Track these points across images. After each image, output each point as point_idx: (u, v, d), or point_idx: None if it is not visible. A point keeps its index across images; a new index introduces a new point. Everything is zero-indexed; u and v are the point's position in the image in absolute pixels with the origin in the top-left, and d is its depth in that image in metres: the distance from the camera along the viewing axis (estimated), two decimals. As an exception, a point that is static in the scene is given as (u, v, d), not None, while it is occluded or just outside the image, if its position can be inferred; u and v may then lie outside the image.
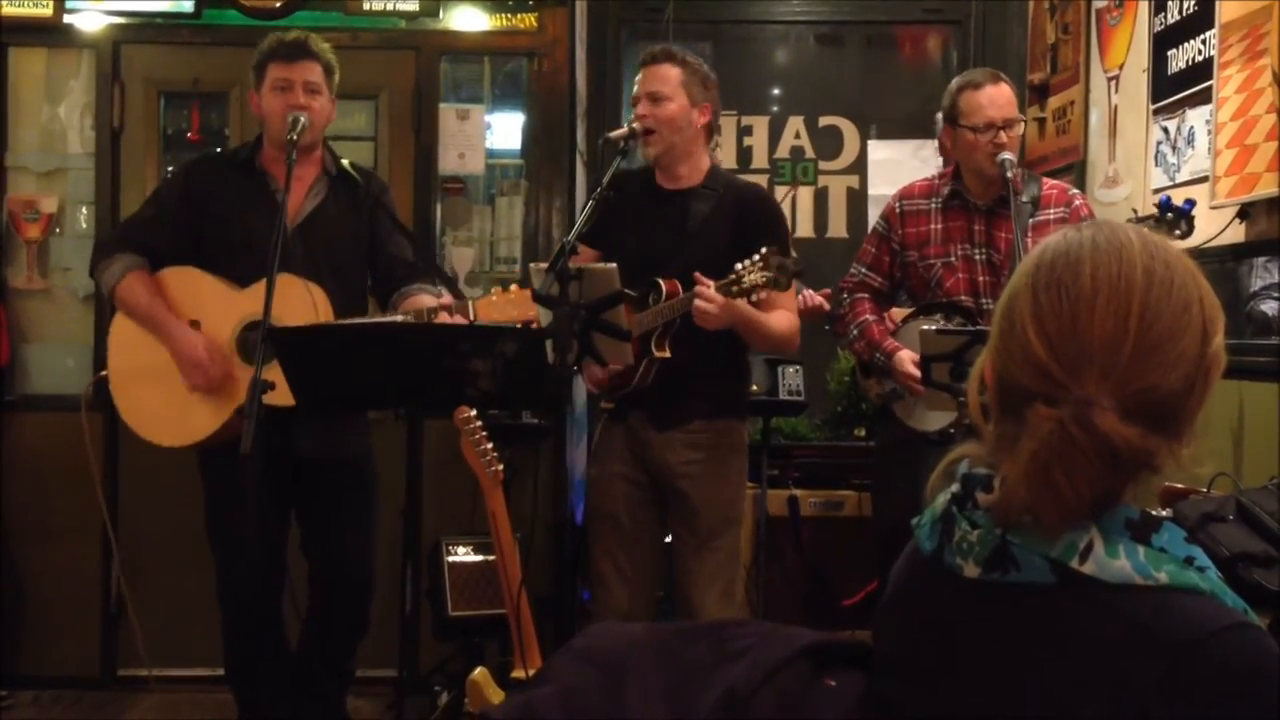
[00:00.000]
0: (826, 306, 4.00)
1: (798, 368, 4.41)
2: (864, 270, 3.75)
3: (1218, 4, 3.41)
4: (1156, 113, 3.83)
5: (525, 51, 4.79)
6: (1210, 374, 1.21)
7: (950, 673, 1.23)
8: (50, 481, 4.45)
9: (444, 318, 3.20)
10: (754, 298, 3.10)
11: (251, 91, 3.46)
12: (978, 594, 1.21)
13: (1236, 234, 3.34)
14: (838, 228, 5.35)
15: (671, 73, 3.34)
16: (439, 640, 4.16)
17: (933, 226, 3.61)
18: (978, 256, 3.55)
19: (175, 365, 3.32)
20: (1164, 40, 3.78)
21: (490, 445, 3.36)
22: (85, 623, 4.53)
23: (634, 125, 3.33)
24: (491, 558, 3.80)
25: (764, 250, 3.06)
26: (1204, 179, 3.45)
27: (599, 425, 3.57)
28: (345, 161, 3.53)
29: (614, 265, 3.05)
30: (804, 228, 5.30)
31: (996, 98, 3.46)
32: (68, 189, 4.71)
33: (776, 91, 5.53)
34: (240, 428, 2.79)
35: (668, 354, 3.24)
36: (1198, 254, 3.26)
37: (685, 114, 3.34)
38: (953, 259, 3.57)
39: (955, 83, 3.58)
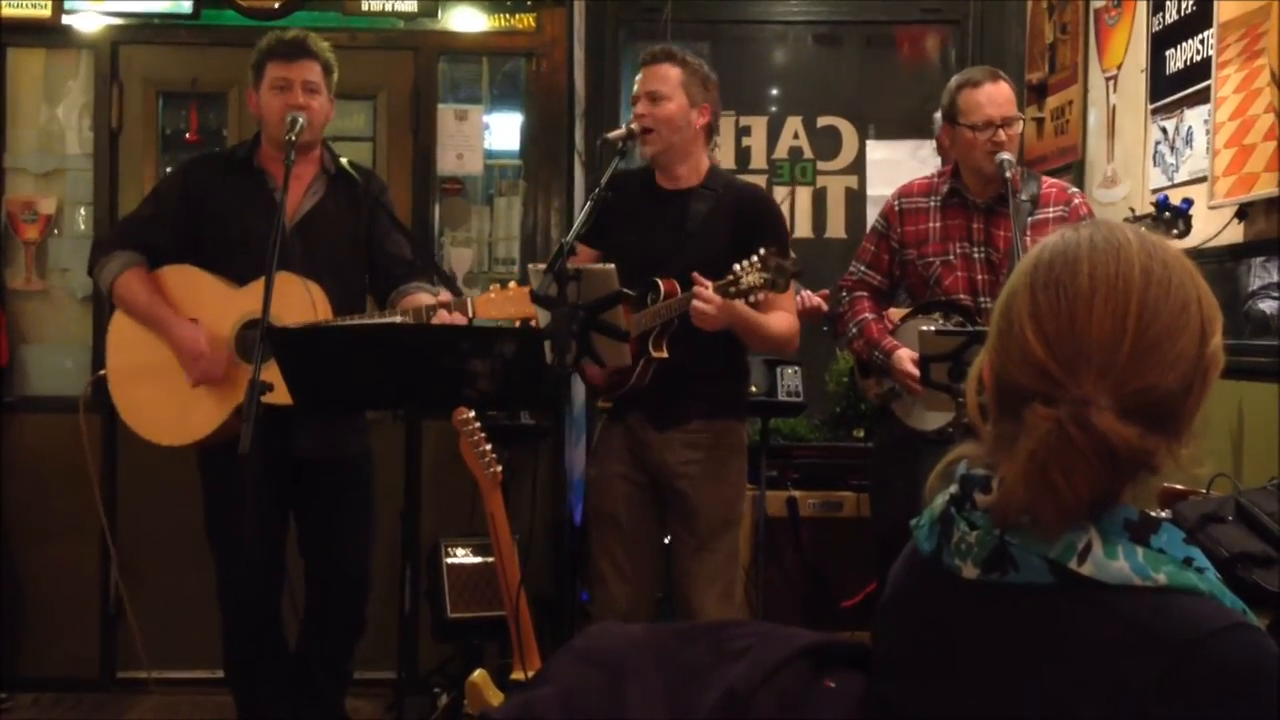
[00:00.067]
0: (825, 307, 4.00)
1: (796, 368, 4.41)
2: (863, 268, 3.75)
3: (1216, 3, 3.41)
4: (1155, 112, 3.83)
5: (523, 52, 4.79)
6: (1209, 374, 1.20)
7: (949, 673, 1.23)
8: (49, 483, 4.45)
9: (443, 315, 3.20)
10: (752, 299, 3.10)
11: (250, 90, 3.45)
12: (976, 595, 1.21)
13: (1235, 234, 3.34)
14: (836, 228, 5.35)
15: (671, 73, 3.34)
16: (438, 641, 4.17)
17: (931, 225, 3.61)
18: (976, 255, 3.54)
19: (175, 364, 3.32)
20: (1162, 40, 3.78)
21: (489, 446, 3.36)
22: (84, 624, 4.53)
23: (632, 125, 3.33)
24: (490, 559, 3.80)
25: (762, 251, 3.06)
26: (1202, 179, 3.45)
27: (598, 426, 3.57)
28: (344, 160, 3.53)
29: (612, 266, 3.05)
30: (802, 228, 5.30)
31: (995, 96, 3.46)
32: (66, 190, 4.71)
33: (775, 92, 5.53)
34: (240, 427, 2.79)
35: (665, 354, 3.24)
36: (1196, 254, 3.26)
37: (684, 114, 3.34)
38: (951, 257, 3.57)
39: (954, 81, 3.58)
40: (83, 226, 4.70)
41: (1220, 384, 1.23)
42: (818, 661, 1.32)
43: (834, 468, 4.62)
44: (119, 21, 4.60)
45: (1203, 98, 3.48)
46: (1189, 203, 3.17)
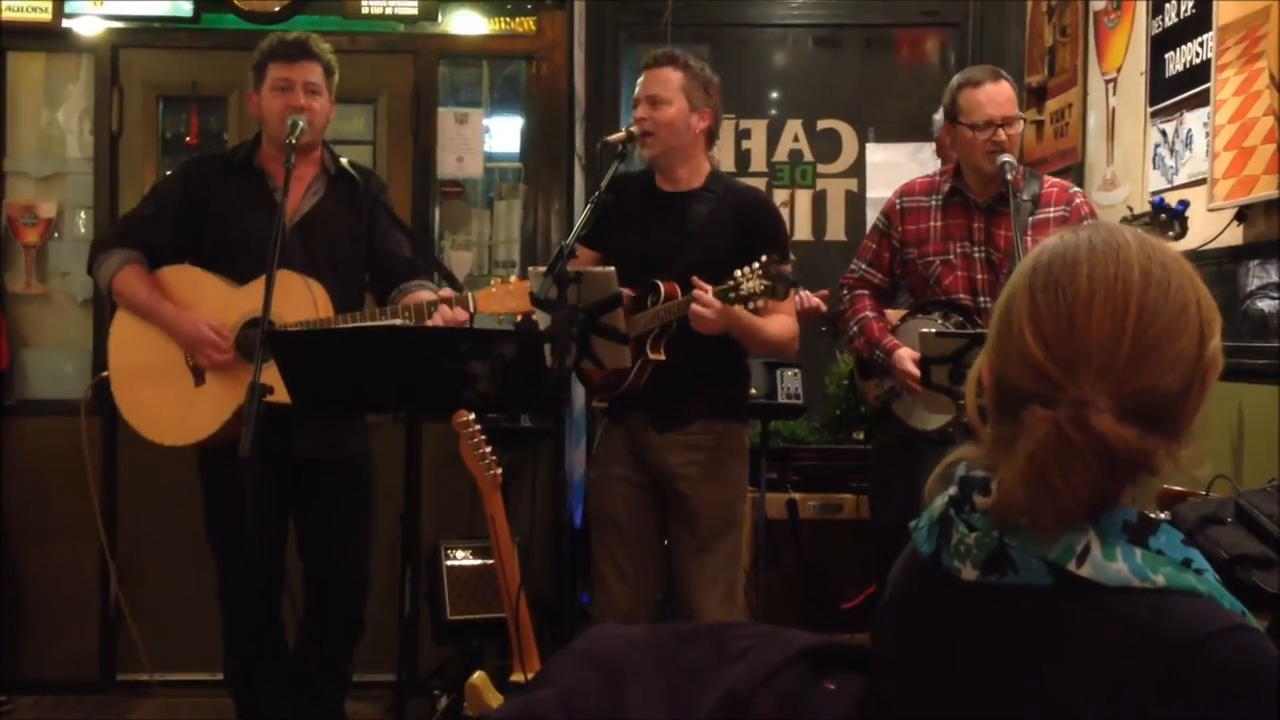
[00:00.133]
0: (824, 308, 4.00)
1: (796, 371, 4.41)
2: (864, 266, 3.75)
3: (1215, 6, 3.42)
4: (1154, 115, 3.83)
5: (523, 55, 4.80)
6: (1208, 375, 1.21)
7: (949, 675, 1.23)
8: (49, 485, 4.45)
9: (444, 310, 3.20)
10: (752, 305, 3.10)
11: (250, 91, 3.46)
12: (976, 596, 1.21)
13: (1234, 236, 3.34)
14: (836, 230, 5.35)
15: (672, 77, 3.34)
16: (438, 644, 4.16)
17: (932, 224, 3.61)
18: (977, 254, 3.55)
19: (177, 364, 3.33)
20: (1162, 43, 3.79)
21: (489, 448, 3.36)
22: (85, 627, 4.53)
23: (632, 128, 3.33)
24: (490, 561, 3.79)
25: (764, 258, 3.06)
26: (1202, 181, 3.46)
27: (599, 428, 3.57)
28: (344, 160, 3.53)
29: (612, 269, 3.06)
30: (802, 231, 5.30)
31: (996, 95, 3.46)
32: (66, 193, 4.72)
33: (775, 94, 5.54)
34: (241, 428, 2.80)
35: (662, 357, 3.23)
36: (1195, 256, 3.27)
37: (684, 118, 3.34)
38: (952, 257, 3.57)
39: (956, 80, 3.58)
40: (83, 230, 4.70)
41: (1220, 386, 1.23)
42: (817, 663, 1.32)
43: (834, 470, 4.62)
44: (119, 25, 4.61)
45: (1202, 100, 3.48)
46: (1185, 204, 3.17)
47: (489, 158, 4.87)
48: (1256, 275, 3.26)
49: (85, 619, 4.53)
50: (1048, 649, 1.16)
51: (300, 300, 3.23)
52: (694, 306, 3.10)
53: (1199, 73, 3.51)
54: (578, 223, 3.13)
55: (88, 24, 4.59)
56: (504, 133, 4.98)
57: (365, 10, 4.57)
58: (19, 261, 4.67)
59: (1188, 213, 3.16)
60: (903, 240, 3.66)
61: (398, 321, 3.27)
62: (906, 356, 3.51)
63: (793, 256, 3.18)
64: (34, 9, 4.53)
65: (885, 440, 3.85)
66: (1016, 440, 1.17)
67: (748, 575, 4.07)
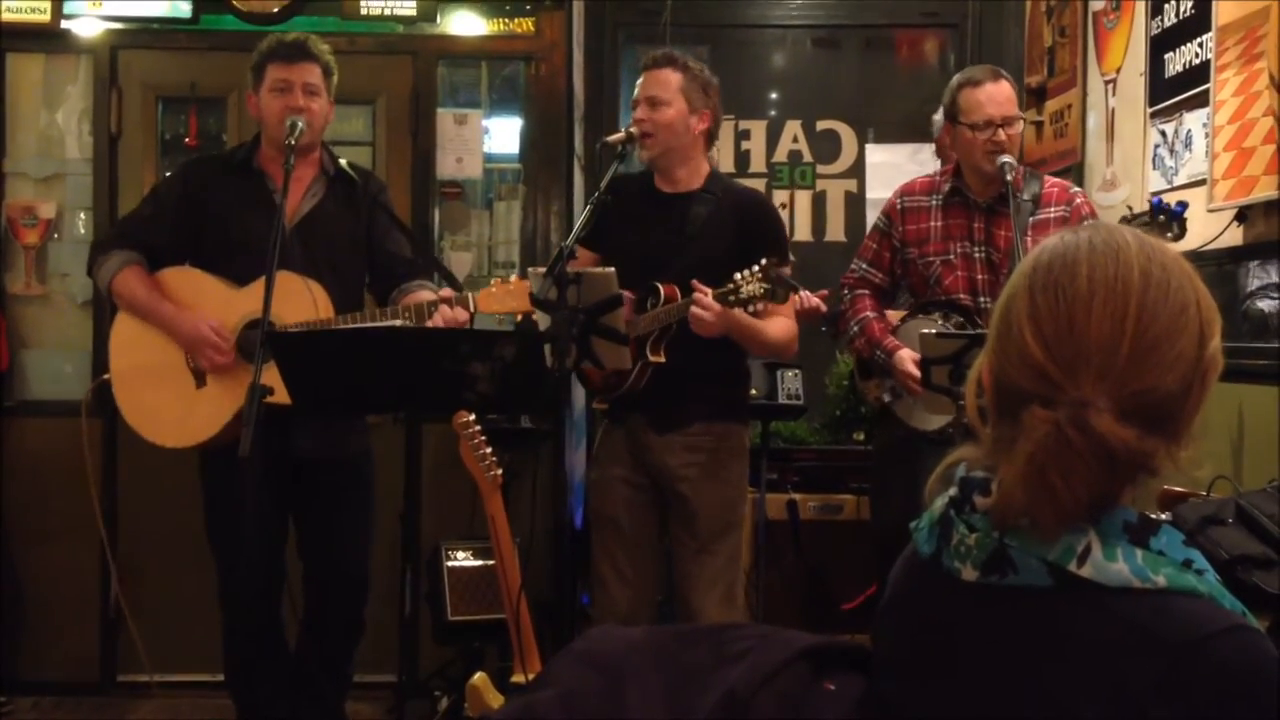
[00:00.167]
0: (824, 308, 4.00)
1: (796, 371, 4.41)
2: (865, 266, 3.75)
3: (1215, 6, 3.41)
4: (1154, 116, 3.83)
5: (522, 55, 4.79)
6: (1208, 376, 1.21)
7: (949, 675, 1.23)
8: (49, 486, 4.45)
9: (445, 310, 3.20)
10: (751, 308, 3.10)
11: (249, 92, 3.45)
12: (976, 597, 1.21)
13: (1234, 237, 3.34)
14: (836, 231, 5.35)
15: (672, 78, 3.34)
16: (438, 645, 4.16)
17: (933, 224, 3.61)
18: (977, 254, 3.55)
19: (178, 365, 3.32)
20: (1161, 43, 3.79)
21: (489, 449, 3.36)
22: (85, 628, 4.53)
23: (631, 129, 3.33)
24: (491, 562, 3.80)
25: (763, 262, 3.06)
26: (1201, 182, 3.46)
27: (599, 429, 3.58)
28: (343, 161, 3.53)
29: (612, 269, 3.06)
30: (802, 231, 5.30)
31: (996, 95, 3.46)
32: (66, 194, 4.71)
33: (774, 95, 5.54)
34: (241, 429, 2.80)
35: (662, 359, 3.24)
36: (1195, 257, 3.27)
37: (683, 119, 3.34)
38: (952, 257, 3.57)
39: (956, 79, 3.58)
40: (82, 231, 4.70)
41: (1220, 386, 1.23)
42: (818, 663, 1.32)
43: (834, 470, 4.62)
44: (118, 26, 4.61)
45: (1202, 101, 3.48)
46: (1184, 205, 3.17)
47: (488, 158, 4.87)
48: (1256, 276, 3.26)
49: (85, 620, 4.53)
50: (1048, 649, 1.16)
51: (300, 301, 3.23)
52: (694, 309, 3.10)
53: (1198, 73, 3.51)
54: (577, 224, 3.13)
55: (86, 25, 4.59)
56: (503, 133, 4.98)
57: (364, 11, 4.57)
58: (19, 262, 4.67)
59: (1186, 214, 3.16)
60: (903, 240, 3.66)
61: (398, 322, 3.27)
62: (907, 357, 3.51)
63: (792, 258, 3.18)
64: (33, 10, 4.53)
65: (885, 441, 3.85)
66: (1016, 441, 1.17)
67: (748, 576, 4.07)
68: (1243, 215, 3.31)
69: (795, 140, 5.38)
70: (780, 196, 5.27)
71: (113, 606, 4.45)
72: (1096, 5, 4.33)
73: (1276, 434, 2.98)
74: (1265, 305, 3.21)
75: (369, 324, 3.22)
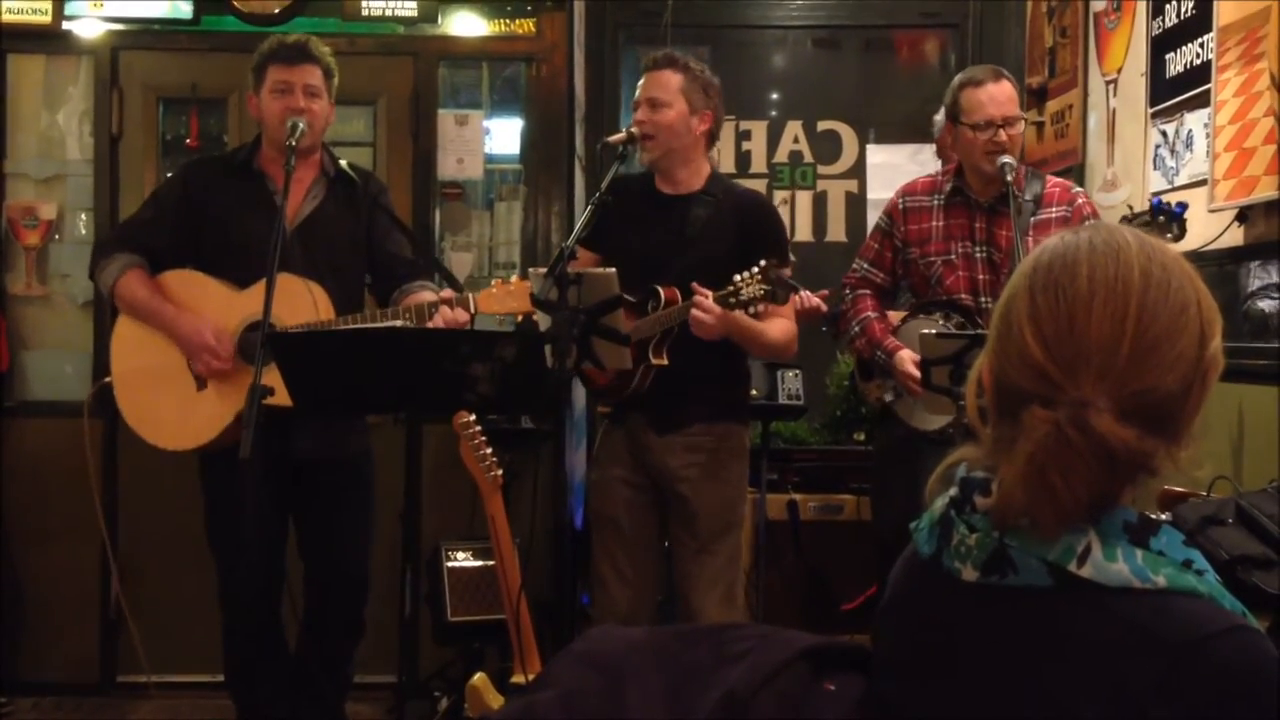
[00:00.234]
0: (824, 308, 4.00)
1: (797, 372, 4.41)
2: (866, 266, 3.76)
3: (1215, 7, 3.42)
4: (1155, 116, 3.83)
5: (523, 56, 4.80)
6: (1208, 376, 1.21)
7: (949, 675, 1.23)
8: (50, 487, 4.45)
9: (445, 310, 3.20)
10: (752, 310, 3.10)
11: (250, 93, 3.46)
12: (976, 597, 1.21)
13: (1235, 237, 3.34)
14: (836, 232, 5.35)
15: (673, 79, 3.34)
16: (438, 645, 4.16)
17: (934, 224, 3.61)
18: (978, 254, 3.55)
19: (179, 368, 3.32)
20: (1162, 43, 3.79)
21: (489, 450, 3.36)
22: (85, 628, 4.53)
23: (632, 130, 3.33)
24: (491, 563, 3.80)
25: (763, 263, 3.06)
26: (1202, 182, 3.46)
27: (599, 429, 3.58)
28: (343, 162, 3.53)
29: (613, 270, 3.06)
30: (803, 232, 5.30)
31: (997, 95, 3.46)
32: (67, 195, 4.72)
33: (775, 96, 5.54)
34: (241, 431, 2.80)
35: (665, 361, 3.24)
36: (1196, 257, 3.26)
37: (684, 120, 3.34)
38: (953, 257, 3.57)
39: (957, 79, 3.59)
40: (83, 232, 4.70)
41: (1220, 386, 1.23)
42: (818, 664, 1.32)
43: (834, 471, 4.62)
44: (119, 27, 4.61)
45: (1202, 101, 3.48)
46: (1184, 205, 3.18)
47: (489, 159, 4.87)
48: (1257, 276, 3.26)
49: (85, 621, 4.53)
50: (1048, 649, 1.16)
51: (301, 303, 3.23)
52: (694, 312, 3.10)
53: (1199, 74, 3.51)
54: (578, 224, 3.13)
55: (87, 26, 4.59)
56: (504, 134, 4.98)
57: (365, 12, 4.57)
58: (19, 263, 4.67)
59: (1187, 214, 3.17)
60: (905, 240, 3.66)
61: (399, 323, 3.27)
62: (908, 358, 3.51)
63: (792, 258, 3.18)
64: (34, 11, 4.53)
65: (886, 441, 3.85)
66: (1016, 441, 1.17)
67: (748, 576, 4.07)
68: (1243, 215, 3.31)
69: (796, 141, 5.38)
70: (781, 197, 5.27)
71: (113, 607, 4.45)
72: (1097, 6, 4.33)
73: (1276, 434, 2.98)
74: (1266, 305, 3.21)
75: (370, 325, 3.22)
